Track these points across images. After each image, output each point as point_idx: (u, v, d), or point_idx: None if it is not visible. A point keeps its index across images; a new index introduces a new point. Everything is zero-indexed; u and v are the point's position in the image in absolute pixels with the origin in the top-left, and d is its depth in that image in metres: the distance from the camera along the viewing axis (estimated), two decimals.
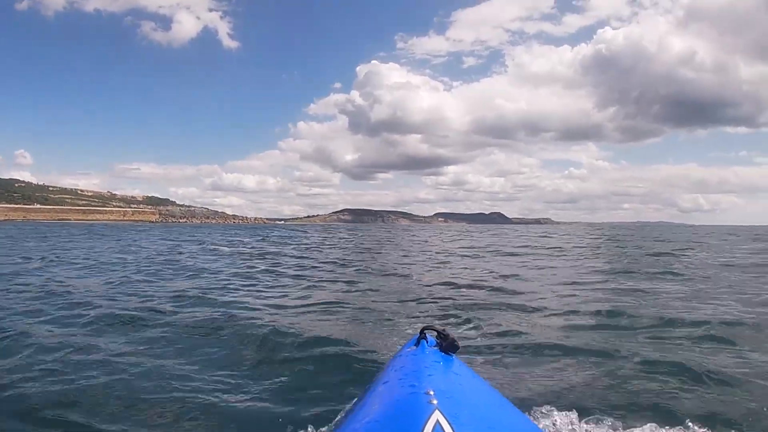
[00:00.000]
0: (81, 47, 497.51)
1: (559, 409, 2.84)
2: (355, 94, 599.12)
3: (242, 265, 13.64)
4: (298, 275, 11.18)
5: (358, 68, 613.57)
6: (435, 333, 2.18)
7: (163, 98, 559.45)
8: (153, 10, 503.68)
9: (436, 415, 1.30)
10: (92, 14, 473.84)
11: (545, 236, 39.07)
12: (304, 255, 18.25)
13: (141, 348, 4.68)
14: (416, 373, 1.76)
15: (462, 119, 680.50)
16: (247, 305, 6.92)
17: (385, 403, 1.63)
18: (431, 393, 1.47)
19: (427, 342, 2.18)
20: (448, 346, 2.06)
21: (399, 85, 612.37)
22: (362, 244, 27.36)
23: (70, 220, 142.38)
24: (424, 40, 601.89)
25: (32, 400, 3.39)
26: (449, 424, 1.27)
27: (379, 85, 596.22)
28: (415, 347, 2.16)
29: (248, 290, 8.65)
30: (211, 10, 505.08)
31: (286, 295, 8.01)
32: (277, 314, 6.27)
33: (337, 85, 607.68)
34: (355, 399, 2.13)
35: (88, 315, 6.01)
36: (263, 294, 8.26)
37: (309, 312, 6.50)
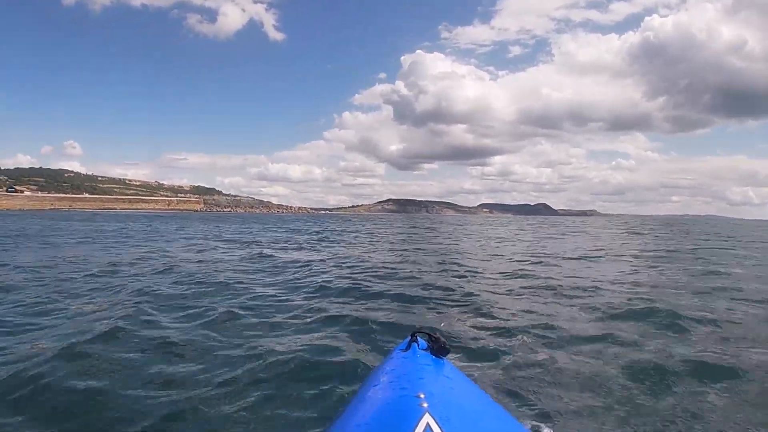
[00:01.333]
0: (129, 41, 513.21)
1: (547, 417, 2.92)
2: (399, 85, 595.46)
3: None
4: None
5: (402, 58, 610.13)
6: (426, 336, 2.18)
7: (210, 90, 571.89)
8: (199, 2, 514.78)
9: (427, 418, 1.32)
10: (139, 8, 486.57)
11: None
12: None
13: None
14: (407, 376, 1.77)
15: (508, 109, 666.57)
16: None
17: (375, 406, 1.61)
18: (422, 396, 1.48)
19: (418, 345, 2.15)
20: (438, 349, 2.06)
21: (444, 74, 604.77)
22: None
23: (116, 209, 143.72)
24: (469, 29, 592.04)
25: None
26: (439, 427, 1.29)
27: (423, 75, 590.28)
28: (405, 350, 2.13)
29: None
30: (256, 2, 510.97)
31: None
32: None
33: (382, 75, 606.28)
34: (346, 402, 2.10)
35: None
36: None
37: None
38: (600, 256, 14.35)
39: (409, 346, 2.16)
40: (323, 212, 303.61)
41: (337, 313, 5.72)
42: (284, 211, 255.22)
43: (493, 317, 5.72)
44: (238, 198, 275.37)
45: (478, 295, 7.18)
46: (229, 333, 4.87)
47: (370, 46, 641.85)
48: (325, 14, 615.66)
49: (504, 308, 6.21)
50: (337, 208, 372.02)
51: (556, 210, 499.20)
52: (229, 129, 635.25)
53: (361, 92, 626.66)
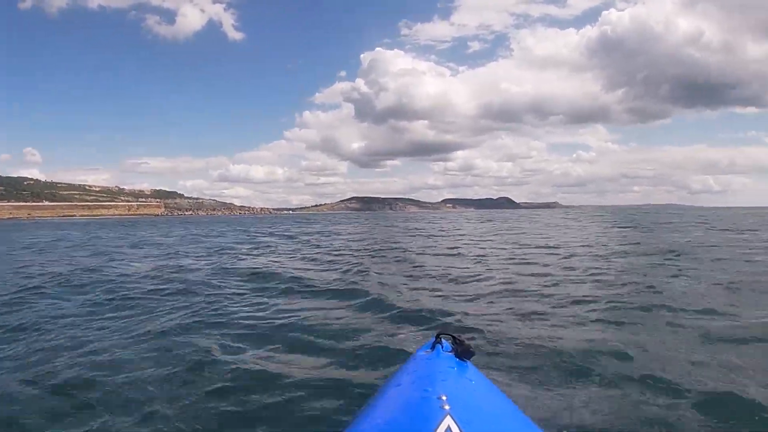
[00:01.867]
0: (86, 43, 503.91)
1: (572, 424, 2.84)
2: (360, 82, 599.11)
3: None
4: None
5: (362, 56, 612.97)
6: (450, 338, 2.17)
7: (170, 92, 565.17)
8: (157, 3, 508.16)
9: (448, 421, 1.31)
10: (96, 10, 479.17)
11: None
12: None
13: None
14: (430, 377, 1.76)
15: (468, 104, 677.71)
16: None
17: (397, 405, 1.63)
18: (444, 398, 1.46)
19: (442, 347, 2.18)
20: (463, 351, 2.06)
21: (404, 71, 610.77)
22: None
23: (75, 216, 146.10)
24: (429, 26, 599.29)
25: None
26: (460, 429, 1.27)
27: (384, 73, 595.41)
28: (429, 351, 2.16)
29: None
30: (215, 2, 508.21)
31: None
32: None
33: (342, 73, 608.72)
34: (367, 400, 2.09)
35: None
36: None
37: None
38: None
39: (433, 348, 2.19)
40: (287, 212, 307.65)
41: None
42: (246, 212, 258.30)
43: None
44: (200, 201, 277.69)
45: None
46: None
47: (329, 45, 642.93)
48: (284, 13, 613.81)
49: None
50: (300, 208, 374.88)
51: (518, 203, 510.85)
52: (190, 131, 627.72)
53: (322, 91, 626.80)
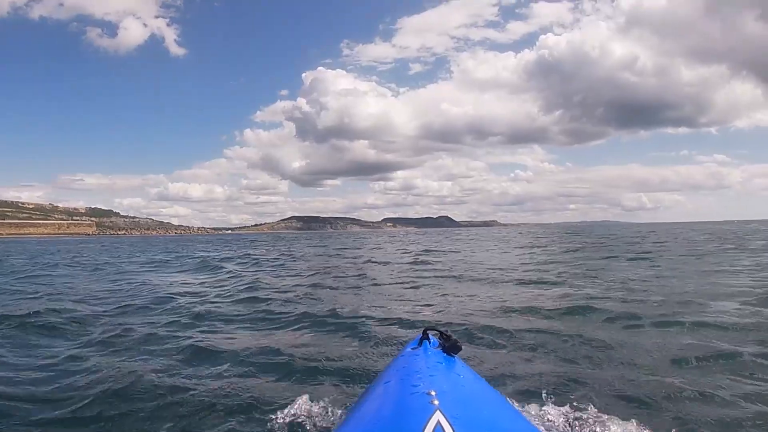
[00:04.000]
0: (24, 55, 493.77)
1: (557, 409, 2.88)
2: (301, 101, 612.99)
3: None
4: None
5: (304, 75, 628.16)
6: (437, 334, 2.19)
7: (109, 106, 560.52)
8: (99, 16, 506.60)
9: (437, 416, 1.30)
10: (37, 21, 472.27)
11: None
12: None
13: None
14: (418, 373, 1.77)
15: (409, 124, 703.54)
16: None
17: (386, 402, 1.64)
18: (433, 393, 1.47)
19: (429, 343, 2.19)
20: (450, 347, 2.06)
21: (346, 91, 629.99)
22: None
23: (2, 235, 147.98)
24: (371, 47, 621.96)
25: None
26: (450, 425, 1.27)
27: (325, 92, 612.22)
28: (417, 347, 2.16)
29: None
30: (157, 16, 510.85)
31: None
32: None
33: (284, 92, 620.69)
34: (357, 398, 2.03)
35: None
36: None
37: None
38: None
39: (420, 344, 2.20)
40: (227, 232, 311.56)
41: None
42: (182, 232, 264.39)
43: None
44: (137, 220, 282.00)
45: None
46: None
47: (271, 63, 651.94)
48: (227, 30, 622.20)
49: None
50: (240, 227, 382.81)
51: (458, 222, 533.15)
52: (128, 148, 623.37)
53: (263, 109, 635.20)
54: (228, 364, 4.24)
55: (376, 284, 10.00)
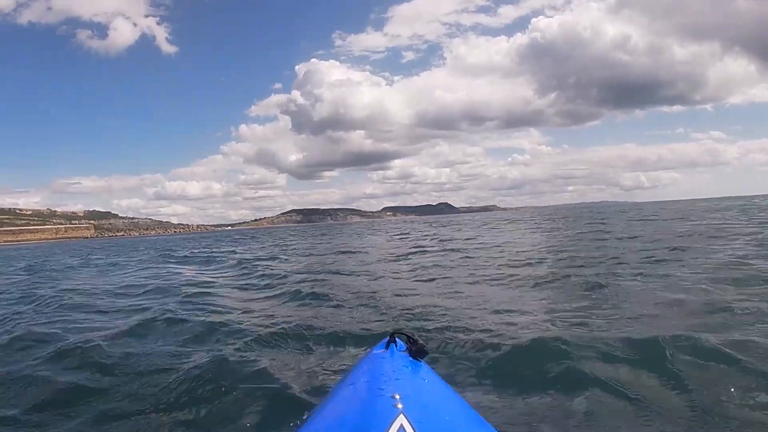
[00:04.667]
0: (15, 60, 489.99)
1: (522, 421, 2.84)
2: (296, 94, 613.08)
3: None
4: None
5: (297, 67, 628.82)
6: (405, 337, 2.18)
7: (102, 108, 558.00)
8: (88, 18, 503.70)
9: (401, 420, 1.30)
10: (26, 27, 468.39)
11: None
12: None
13: None
14: (383, 376, 1.76)
15: (404, 113, 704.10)
16: None
17: (350, 404, 1.64)
18: (397, 397, 1.46)
19: (396, 346, 2.18)
20: (417, 351, 2.06)
21: (340, 82, 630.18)
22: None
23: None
24: (362, 36, 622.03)
25: None
26: (413, 428, 1.27)
27: (319, 84, 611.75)
28: (384, 350, 2.16)
29: None
30: (147, 15, 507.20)
31: None
32: None
33: (278, 85, 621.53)
34: (321, 400, 2.04)
35: None
36: None
37: None
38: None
39: (387, 347, 2.19)
40: (227, 228, 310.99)
41: None
42: (182, 230, 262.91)
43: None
44: (136, 220, 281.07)
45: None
46: None
47: (263, 57, 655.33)
48: (218, 26, 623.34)
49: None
50: (240, 223, 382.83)
51: (457, 208, 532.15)
52: (123, 148, 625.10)
53: (257, 103, 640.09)
54: None
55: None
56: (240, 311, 6.54)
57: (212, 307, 6.75)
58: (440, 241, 19.68)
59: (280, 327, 5.09)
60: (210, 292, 8.36)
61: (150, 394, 3.52)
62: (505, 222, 40.49)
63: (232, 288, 9.22)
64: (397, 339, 2.23)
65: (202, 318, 5.88)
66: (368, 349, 2.54)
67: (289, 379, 3.61)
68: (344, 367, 3.77)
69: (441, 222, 61.04)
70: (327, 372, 3.80)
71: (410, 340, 2.12)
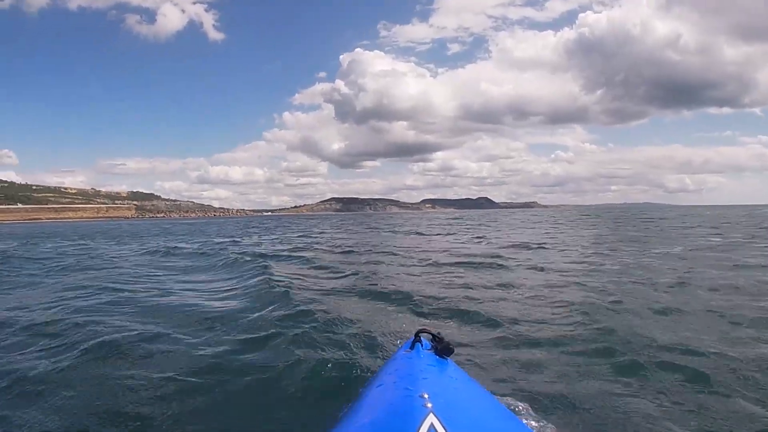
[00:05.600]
0: (65, 44, 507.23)
1: (554, 416, 2.82)
2: (340, 83, 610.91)
3: None
4: None
5: (341, 57, 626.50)
6: (430, 336, 2.18)
7: (149, 92, 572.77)
8: (137, 3, 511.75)
9: (431, 419, 1.31)
10: (76, 11, 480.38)
11: None
12: None
13: None
14: (411, 376, 1.77)
15: (448, 105, 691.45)
16: None
17: (379, 405, 1.64)
18: (426, 396, 1.47)
19: (422, 345, 2.19)
20: (443, 349, 2.06)
21: (384, 72, 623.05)
22: None
23: (41, 219, 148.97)
24: (408, 27, 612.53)
25: None
26: (443, 427, 1.28)
27: (363, 74, 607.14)
28: (410, 350, 2.16)
29: None
30: (195, 2, 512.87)
31: None
32: None
33: (322, 74, 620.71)
34: (350, 401, 2.03)
35: None
36: None
37: None
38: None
39: (413, 346, 2.19)
40: (267, 213, 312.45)
41: None
42: (222, 214, 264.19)
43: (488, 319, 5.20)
44: (178, 203, 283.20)
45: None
46: None
47: (308, 46, 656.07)
48: (264, 14, 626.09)
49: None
50: (280, 209, 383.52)
51: (497, 203, 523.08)
52: (168, 132, 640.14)
53: (301, 92, 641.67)
54: None
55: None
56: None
57: None
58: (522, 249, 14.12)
59: None
60: None
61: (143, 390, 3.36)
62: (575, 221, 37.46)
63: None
64: (422, 338, 2.23)
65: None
66: (394, 350, 2.65)
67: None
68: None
69: (492, 217, 56.47)
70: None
71: (435, 339, 2.14)
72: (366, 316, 5.38)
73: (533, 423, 2.69)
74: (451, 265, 10.18)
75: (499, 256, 11.41)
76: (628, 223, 29.93)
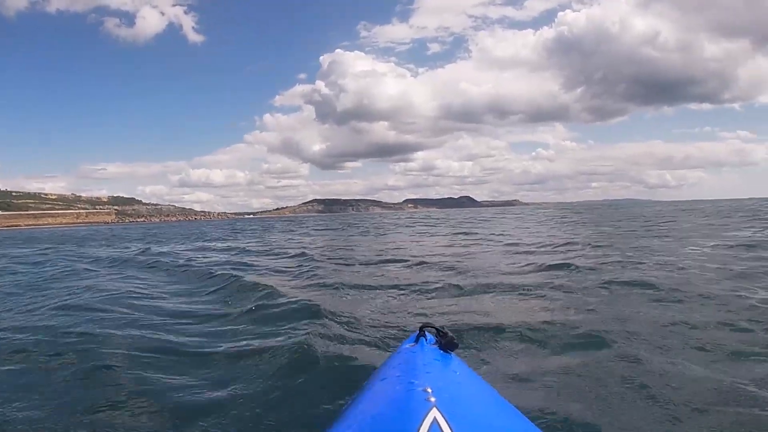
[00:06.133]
0: (45, 48, 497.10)
1: (557, 411, 2.80)
2: (320, 84, 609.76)
3: None
4: None
5: (321, 58, 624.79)
6: (434, 330, 2.16)
7: (129, 96, 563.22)
8: (116, 6, 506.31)
9: (434, 413, 1.29)
10: (54, 14, 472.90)
11: None
12: None
13: None
14: (414, 370, 1.76)
15: (428, 105, 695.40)
16: None
17: (382, 399, 1.62)
18: (429, 390, 1.45)
19: (426, 339, 2.16)
20: (447, 344, 2.05)
21: (364, 73, 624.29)
22: None
23: (20, 226, 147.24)
24: (388, 28, 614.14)
25: None
26: (446, 421, 1.25)
27: (344, 74, 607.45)
28: (414, 344, 2.14)
29: None
30: (174, 4, 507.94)
31: None
32: None
33: (302, 75, 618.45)
34: (353, 395, 2.02)
35: None
36: None
37: None
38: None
39: (417, 340, 2.18)
40: (248, 216, 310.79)
41: None
42: (203, 217, 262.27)
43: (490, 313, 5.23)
44: (159, 207, 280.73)
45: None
46: None
47: (289, 47, 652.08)
48: (244, 16, 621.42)
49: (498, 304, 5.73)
50: (261, 211, 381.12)
51: (479, 202, 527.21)
52: (148, 136, 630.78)
53: (282, 93, 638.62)
54: None
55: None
56: None
57: None
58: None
59: None
60: None
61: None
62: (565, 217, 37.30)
63: None
64: (426, 332, 2.21)
65: None
66: (398, 344, 2.55)
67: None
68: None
69: (481, 216, 53.34)
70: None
71: (440, 333, 2.11)
72: (371, 311, 5.67)
73: (538, 419, 2.67)
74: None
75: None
76: (635, 221, 26.84)
